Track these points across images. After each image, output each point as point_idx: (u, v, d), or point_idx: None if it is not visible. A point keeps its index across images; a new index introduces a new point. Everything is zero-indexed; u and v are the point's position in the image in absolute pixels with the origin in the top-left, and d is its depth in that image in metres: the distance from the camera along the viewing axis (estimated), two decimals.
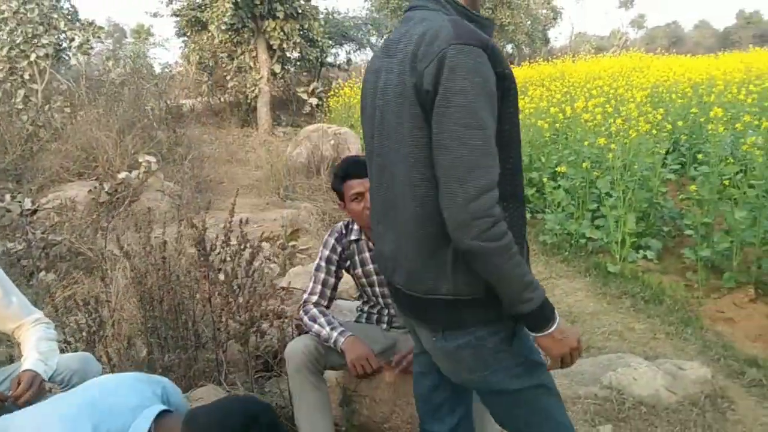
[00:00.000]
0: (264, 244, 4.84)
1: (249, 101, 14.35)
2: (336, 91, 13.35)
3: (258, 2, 12.72)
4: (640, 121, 5.42)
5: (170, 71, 15.97)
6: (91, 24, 9.85)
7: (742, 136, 5.29)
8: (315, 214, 6.95)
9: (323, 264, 2.34)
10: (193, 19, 14.47)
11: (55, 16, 8.85)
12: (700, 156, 4.88)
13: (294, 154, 8.76)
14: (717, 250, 4.32)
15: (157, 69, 16.13)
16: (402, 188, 1.38)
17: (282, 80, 16.00)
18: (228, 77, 14.45)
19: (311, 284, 2.33)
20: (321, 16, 16.49)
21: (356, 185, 2.21)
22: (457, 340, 1.39)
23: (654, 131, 5.24)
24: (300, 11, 13.55)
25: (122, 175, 6.19)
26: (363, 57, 19.31)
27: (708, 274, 4.49)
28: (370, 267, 2.33)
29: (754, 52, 14.63)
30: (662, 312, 3.99)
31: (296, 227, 5.68)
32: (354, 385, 2.32)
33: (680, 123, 5.46)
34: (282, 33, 13.36)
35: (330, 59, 18.30)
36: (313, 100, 13.96)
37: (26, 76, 8.82)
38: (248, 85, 14.10)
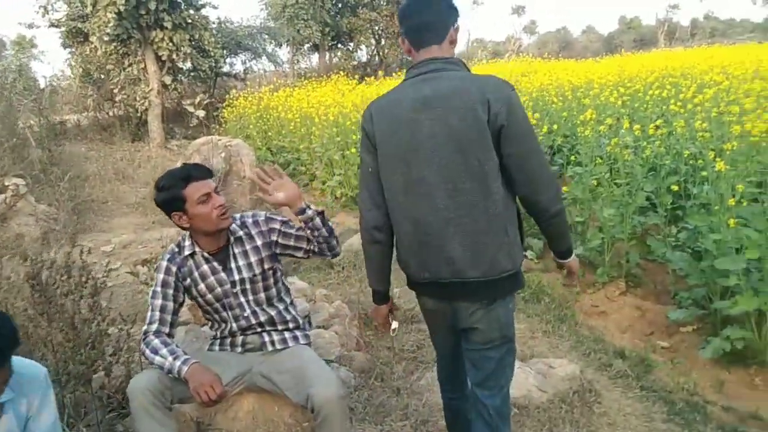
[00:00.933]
0: (139, 268, 4.60)
1: (139, 115, 13.73)
2: (231, 101, 12.99)
3: (143, 12, 12.20)
4: None
5: (53, 85, 14.98)
6: None
7: (614, 135, 5.62)
8: None
9: (159, 289, 2.19)
10: (74, 30, 13.69)
11: None
12: (573, 157, 5.12)
13: None
14: (590, 247, 4.52)
15: (42, 83, 15.12)
16: (476, 198, 1.78)
17: (175, 92, 15.44)
18: (116, 90, 13.76)
19: (149, 313, 2.17)
20: (213, 25, 16.10)
21: (202, 186, 2.14)
22: (505, 304, 1.90)
23: None
24: (189, 21, 13.13)
25: None
26: (260, 66, 18.98)
27: (584, 271, 4.69)
28: (212, 279, 2.23)
29: (628, 57, 15.67)
30: (540, 310, 4.13)
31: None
32: (209, 417, 2.20)
33: (555, 126, 5.71)
34: (171, 43, 12.88)
35: (226, 69, 17.90)
36: (200, 113, 13.52)
37: None
38: (138, 98, 13.50)
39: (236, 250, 2.28)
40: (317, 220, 2.22)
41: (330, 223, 2.31)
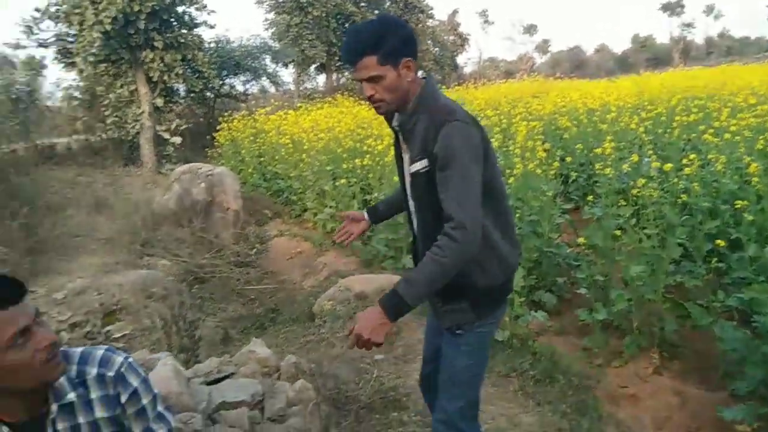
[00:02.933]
0: (62, 334, 3.86)
1: (131, 138, 13.13)
2: (228, 125, 12.30)
3: (132, 32, 11.63)
4: (526, 156, 4.85)
5: (42, 107, 14.44)
6: None
7: (636, 166, 4.83)
8: (174, 273, 5.95)
9: None
10: (63, 50, 13.17)
11: None
12: (590, 198, 4.33)
13: (162, 201, 7.72)
14: (615, 311, 3.70)
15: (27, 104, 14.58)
16: None
17: (171, 114, 14.86)
18: (107, 113, 13.17)
19: None
20: (210, 45, 15.55)
21: (13, 318, 1.25)
22: None
23: (540, 170, 4.65)
24: (182, 41, 12.55)
25: None
26: (260, 87, 18.41)
27: (607, 337, 3.87)
28: None
29: (646, 76, 14.87)
30: (555, 395, 3.30)
31: (117, 306, 4.66)
32: None
33: (568, 159, 4.93)
34: (162, 64, 12.29)
35: (226, 90, 17.34)
36: (176, 139, 12.83)
37: None
38: (129, 121, 12.90)
39: (60, 426, 1.40)
40: None
41: None
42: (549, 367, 3.53)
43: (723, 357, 3.35)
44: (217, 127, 13.04)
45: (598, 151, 4.36)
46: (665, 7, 51.92)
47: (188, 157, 13.67)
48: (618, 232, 3.80)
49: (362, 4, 24.06)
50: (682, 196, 3.73)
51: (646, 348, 3.70)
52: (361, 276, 5.53)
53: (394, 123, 1.94)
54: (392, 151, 2.25)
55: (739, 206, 3.67)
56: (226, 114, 14.36)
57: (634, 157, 3.88)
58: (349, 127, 8.35)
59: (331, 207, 7.23)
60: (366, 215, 2.36)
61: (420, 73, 1.91)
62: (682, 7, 51.34)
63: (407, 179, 1.96)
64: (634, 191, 3.68)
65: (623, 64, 47.78)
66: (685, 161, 3.97)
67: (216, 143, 12.12)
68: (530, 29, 55.98)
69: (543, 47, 59.01)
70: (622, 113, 7.52)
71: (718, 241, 3.41)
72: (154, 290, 5.38)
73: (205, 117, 17.27)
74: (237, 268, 6.68)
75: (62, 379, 1.38)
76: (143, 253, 6.41)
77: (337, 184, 7.03)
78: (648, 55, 51.09)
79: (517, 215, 4.39)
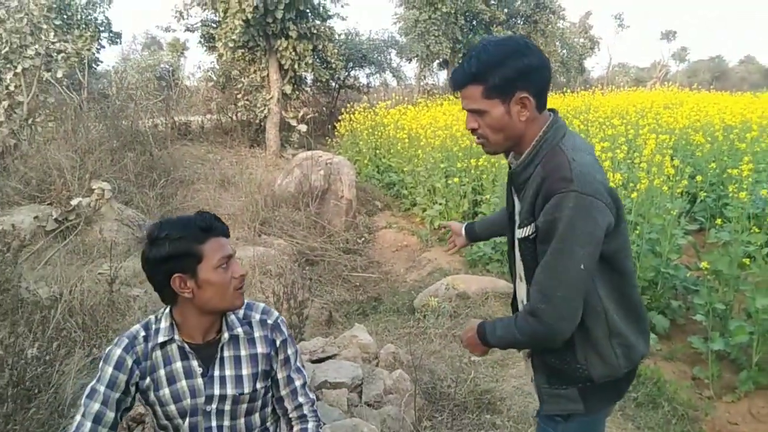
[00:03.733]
0: None
1: (259, 121, 13.88)
2: (350, 116, 12.68)
3: (270, 21, 12.27)
4: (653, 171, 4.64)
5: (182, 87, 15.59)
6: (83, 35, 9.44)
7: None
8: (288, 253, 6.28)
9: (101, 388, 1.54)
10: (207, 35, 14.17)
11: (45, 26, 8.46)
12: (719, 221, 4.06)
13: (283, 184, 8.14)
14: (734, 343, 3.48)
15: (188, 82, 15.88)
16: None
17: (297, 101, 15.55)
18: (239, 96, 14.01)
19: (77, 419, 1.53)
20: (341, 36, 16.04)
21: (225, 245, 1.59)
22: None
23: (666, 187, 4.43)
24: (315, 32, 13.07)
25: (75, 201, 5.63)
26: (381, 80, 18.75)
27: (721, 370, 3.66)
28: (183, 385, 1.59)
29: None
30: (657, 421, 3.18)
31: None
32: None
33: (699, 178, 4.64)
34: (294, 53, 12.87)
35: (350, 81, 17.85)
36: (302, 127, 13.29)
37: (12, 87, 8.44)
38: (259, 105, 13.64)
39: (227, 353, 1.65)
40: None
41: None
42: (653, 392, 3.39)
43: None
44: (339, 117, 13.48)
45: (734, 171, 4.10)
46: None
47: (309, 144, 14.30)
48: (747, 260, 3.56)
49: (492, 1, 23.78)
50: None
51: (764, 387, 3.46)
52: (464, 276, 5.56)
53: (510, 159, 1.67)
54: None
55: None
56: (348, 105, 14.83)
57: None
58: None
59: (440, 204, 7.29)
60: (463, 231, 2.24)
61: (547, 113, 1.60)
62: None
63: (516, 233, 1.65)
64: None
65: None
66: None
67: (336, 132, 12.53)
68: (668, 35, 52.62)
69: (681, 55, 55.28)
70: (765, 132, 6.97)
71: None
72: (270, 267, 5.74)
73: (327, 106, 17.91)
74: (345, 255, 6.91)
75: (232, 316, 1.67)
76: (261, 232, 6.81)
77: (449, 182, 7.07)
78: None
79: (636, 232, 4.22)
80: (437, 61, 23.81)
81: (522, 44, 1.54)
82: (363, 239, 7.44)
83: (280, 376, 1.74)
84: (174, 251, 1.52)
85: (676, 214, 4.37)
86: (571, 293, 1.47)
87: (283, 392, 1.74)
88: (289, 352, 1.75)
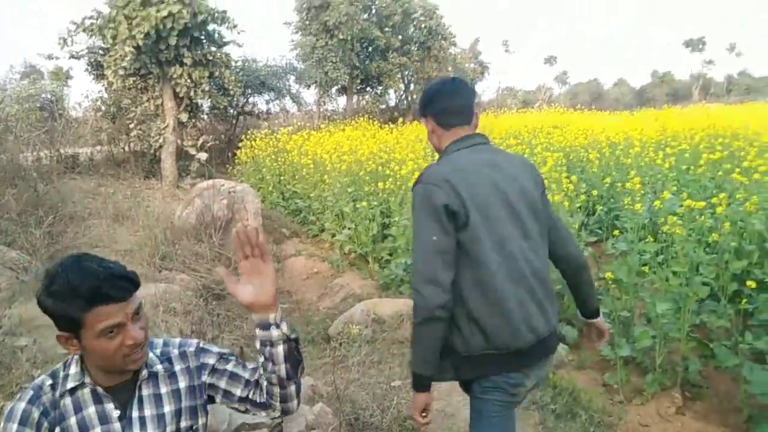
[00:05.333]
0: None
1: (153, 151, 13.29)
2: (251, 142, 12.41)
3: (163, 48, 11.85)
4: (552, 188, 4.85)
5: (67, 118, 14.66)
6: None
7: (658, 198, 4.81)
8: (192, 288, 5.98)
9: None
10: (94, 63, 13.46)
11: None
12: (616, 232, 4.30)
13: (183, 215, 7.79)
14: (639, 348, 3.66)
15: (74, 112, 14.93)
16: (544, 255, 1.95)
17: (194, 129, 15.09)
18: (131, 125, 13.36)
19: None
20: (238, 63, 15.78)
21: (114, 313, 1.37)
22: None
23: (566, 202, 4.64)
24: (210, 58, 12.75)
25: None
26: (282, 107, 18.58)
27: (629, 374, 3.83)
28: (98, 431, 1.43)
29: (668, 111, 14.85)
30: (576, 431, 3.25)
31: None
32: None
33: (594, 192, 4.91)
34: (189, 80, 12.48)
35: (249, 107, 17.56)
36: (202, 155, 12.91)
37: None
38: (153, 134, 13.07)
39: (146, 392, 1.51)
40: (280, 349, 1.48)
41: (301, 366, 1.59)
42: (570, 402, 3.49)
43: (747, 399, 3.30)
44: (239, 144, 13.18)
45: (628, 185, 4.35)
46: (687, 44, 52.05)
47: (210, 173, 13.85)
48: (645, 269, 3.77)
49: (387, 29, 24.36)
50: (713, 234, 3.69)
51: (669, 387, 3.65)
52: (378, 300, 5.52)
53: None
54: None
55: None
56: (247, 132, 14.54)
57: (665, 194, 3.86)
58: (371, 149, 8.41)
59: (350, 228, 7.26)
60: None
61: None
62: (704, 44, 51.43)
63: None
64: (665, 228, 3.66)
65: (642, 99, 47.74)
66: (714, 200, 3.95)
67: (237, 160, 12.22)
68: (550, 60, 56.28)
69: (562, 78, 59.25)
70: (646, 148, 7.52)
71: (749, 283, 3.36)
72: (174, 305, 5.43)
73: (226, 133, 17.49)
74: None
75: (150, 354, 1.54)
76: (162, 267, 6.44)
77: (357, 206, 7.05)
78: (667, 90, 51.10)
79: None
80: (336, 87, 24.01)
81: (434, 83, 2.13)
82: None
83: (226, 369, 1.59)
84: (55, 311, 1.38)
85: (577, 227, 4.57)
86: (428, 257, 1.78)
87: (240, 392, 1.59)
88: (231, 361, 1.60)
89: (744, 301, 3.26)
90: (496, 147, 2.07)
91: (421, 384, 1.87)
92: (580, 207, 4.93)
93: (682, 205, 3.83)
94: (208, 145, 13.11)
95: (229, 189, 7.82)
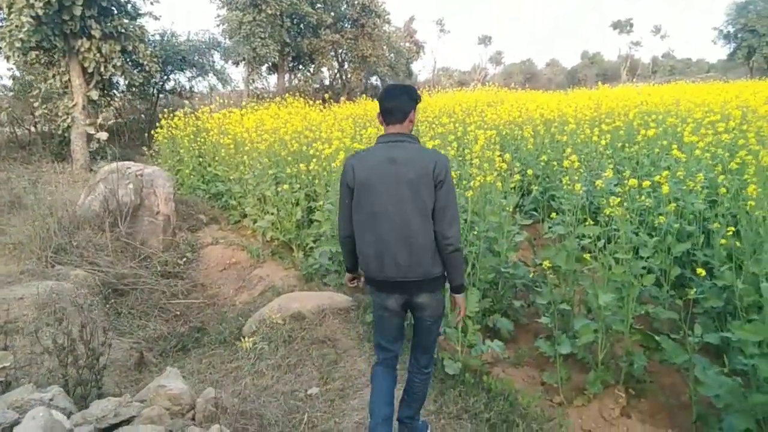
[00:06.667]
0: None
1: (62, 132, 12.20)
2: (168, 122, 11.48)
3: (67, 18, 10.76)
4: (484, 167, 4.44)
5: None
6: None
7: (597, 177, 4.49)
8: (89, 285, 5.28)
9: None
10: None
11: None
12: (554, 215, 3.93)
13: (86, 202, 6.99)
14: (579, 344, 3.30)
15: None
16: (418, 227, 2.59)
17: (110, 109, 13.99)
18: (36, 104, 12.20)
19: None
20: (155, 37, 14.73)
21: None
22: (439, 294, 2.75)
23: (500, 183, 4.24)
24: (122, 31, 11.73)
25: None
26: (206, 84, 17.56)
27: (569, 371, 3.48)
28: None
29: (602, 89, 14.85)
30: None
31: (12, 324, 4.03)
32: None
33: (530, 172, 4.53)
34: (99, 54, 11.46)
35: (172, 85, 16.51)
36: (102, 135, 11.94)
37: None
38: (60, 114, 11.98)
39: None
40: None
41: None
42: (506, 409, 3.09)
43: (695, 397, 2.99)
44: (157, 125, 12.25)
45: (566, 163, 3.98)
46: (615, 25, 53.16)
47: (127, 155, 12.85)
48: (587, 256, 3.40)
49: (318, 5, 23.50)
50: (660, 216, 3.36)
51: (612, 384, 3.32)
52: (299, 293, 5.01)
53: None
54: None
55: (717, 227, 3.34)
56: (167, 111, 13.58)
57: (609, 173, 3.49)
58: (296, 128, 7.81)
59: (272, 214, 6.68)
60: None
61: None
62: (631, 26, 52.65)
63: None
64: (607, 210, 3.29)
65: (573, 79, 48.58)
66: (658, 179, 3.62)
67: (154, 141, 11.32)
68: (485, 40, 56.47)
69: (497, 59, 59.61)
70: (581, 125, 7.26)
71: (699, 270, 3.04)
72: (61, 305, 4.73)
73: (146, 113, 16.39)
74: (163, 280, 6.03)
75: None
76: (55, 261, 5.70)
77: (279, 189, 6.48)
78: (597, 71, 52.21)
79: (474, 232, 3.95)
80: (266, 65, 23.04)
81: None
82: (185, 259, 6.57)
83: None
84: None
85: (511, 210, 4.19)
86: (340, 212, 2.78)
87: None
88: None
89: (694, 290, 2.93)
90: (410, 145, 2.67)
91: (347, 268, 3.07)
92: (514, 187, 4.54)
93: (621, 185, 3.48)
94: (110, 123, 12.09)
95: (137, 172, 7.06)
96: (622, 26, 52.03)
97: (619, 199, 3.23)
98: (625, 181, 3.40)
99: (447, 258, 2.62)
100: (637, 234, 3.53)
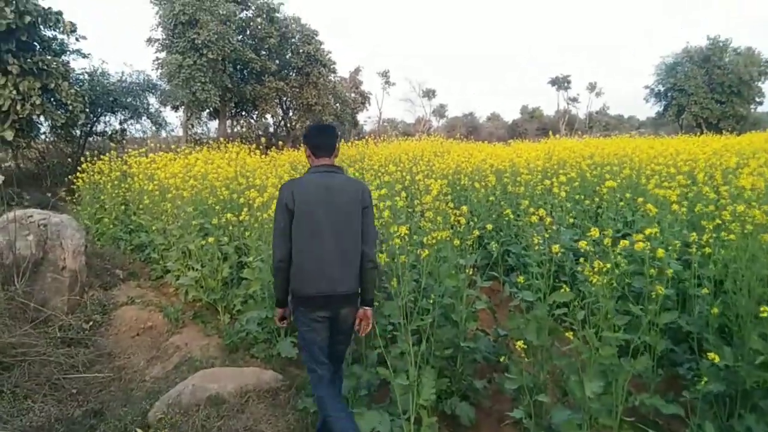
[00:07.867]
0: None
1: None
2: (91, 166, 10.46)
3: None
4: (438, 221, 3.86)
5: None
6: None
7: (556, 235, 3.97)
8: None
9: None
10: None
11: None
12: (521, 279, 3.35)
13: None
14: None
15: None
16: (351, 246, 3.06)
17: (31, 150, 12.91)
18: None
19: None
20: (82, 75, 13.83)
21: None
22: (356, 308, 3.15)
23: (457, 239, 3.65)
24: (44, 68, 10.85)
25: None
26: (140, 127, 16.63)
27: None
28: None
29: (552, 140, 14.79)
30: None
31: None
32: None
33: (489, 227, 3.96)
34: (16, 92, 10.51)
35: (101, 127, 15.52)
36: None
37: None
38: None
39: None
40: None
41: None
42: None
43: None
44: (78, 169, 11.24)
45: (533, 218, 3.42)
46: (553, 82, 55.13)
47: (47, 201, 11.71)
48: (570, 334, 2.81)
49: (262, 52, 23.11)
50: (659, 288, 2.82)
51: None
52: (219, 370, 4.22)
53: None
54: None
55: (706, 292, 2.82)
56: (90, 154, 12.58)
57: (595, 231, 2.94)
58: (227, 174, 7.10)
59: (196, 270, 5.88)
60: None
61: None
62: (569, 82, 54.73)
63: None
64: (587, 272, 2.72)
65: (514, 132, 49.74)
66: (637, 237, 3.10)
67: (75, 187, 10.31)
68: (429, 93, 57.46)
69: (440, 111, 60.66)
70: (534, 176, 6.86)
71: (712, 356, 2.48)
72: None
73: (73, 156, 15.28)
74: (62, 348, 5.10)
75: None
76: None
77: (202, 243, 5.71)
78: (537, 125, 53.77)
79: (431, 300, 3.32)
80: (207, 111, 22.31)
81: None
82: (92, 323, 5.64)
83: None
84: None
85: (470, 272, 3.59)
86: (275, 237, 3.13)
87: None
88: None
89: (704, 381, 2.36)
90: (340, 174, 3.18)
91: (277, 302, 3.30)
92: (472, 244, 3.95)
93: (598, 244, 2.94)
94: (6, 165, 11.02)
95: (40, 221, 6.15)
96: (560, 83, 54.05)
97: (600, 263, 2.67)
98: (601, 239, 2.86)
99: (366, 274, 3.09)
100: (618, 303, 2.98)
